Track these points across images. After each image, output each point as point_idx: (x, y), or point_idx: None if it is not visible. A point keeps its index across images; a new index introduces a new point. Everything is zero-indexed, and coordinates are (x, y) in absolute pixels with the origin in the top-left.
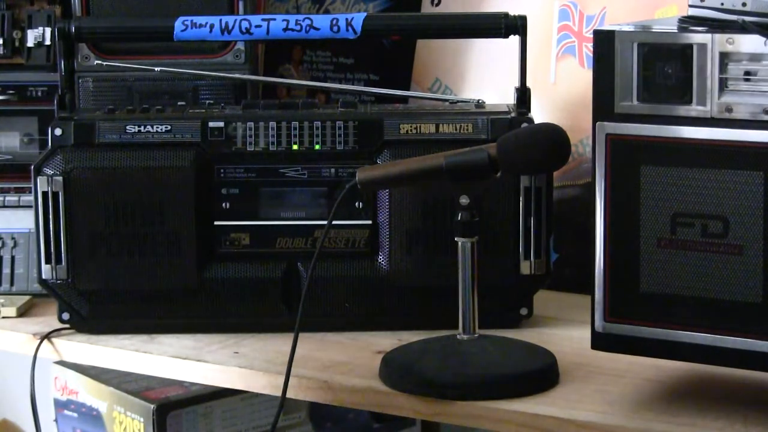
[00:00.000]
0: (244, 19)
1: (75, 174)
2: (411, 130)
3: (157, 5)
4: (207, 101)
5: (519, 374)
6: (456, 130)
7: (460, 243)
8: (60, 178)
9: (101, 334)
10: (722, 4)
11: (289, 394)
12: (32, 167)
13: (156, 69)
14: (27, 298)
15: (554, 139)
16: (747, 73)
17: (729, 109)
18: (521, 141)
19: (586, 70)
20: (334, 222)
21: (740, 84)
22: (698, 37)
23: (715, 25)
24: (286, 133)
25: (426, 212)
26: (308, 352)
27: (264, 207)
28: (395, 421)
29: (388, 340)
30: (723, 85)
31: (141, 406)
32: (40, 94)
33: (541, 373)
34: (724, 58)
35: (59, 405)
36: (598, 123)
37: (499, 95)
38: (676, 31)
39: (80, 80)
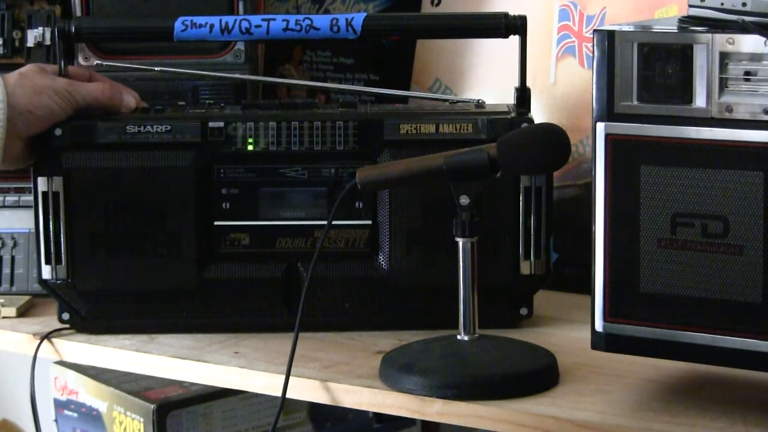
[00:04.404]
0: (244, 19)
1: (75, 174)
2: (411, 130)
3: (157, 5)
4: (207, 101)
5: (519, 374)
6: (456, 130)
7: (460, 243)
8: (60, 178)
9: (101, 334)
10: (722, 4)
11: (289, 394)
12: (32, 167)
13: (156, 69)
14: (27, 298)
15: (554, 139)
16: (747, 73)
17: (729, 109)
18: (521, 141)
19: (586, 70)
20: (334, 222)
21: (740, 84)
22: (698, 37)
23: (715, 25)
24: (286, 133)
25: (426, 212)
26: (308, 352)
27: (264, 207)
28: (395, 421)
29: (388, 340)
30: (723, 85)
31: (141, 406)
32: None
33: (541, 373)
34: (724, 58)
35: (59, 405)
36: (598, 123)
37: (499, 95)
38: (676, 31)
39: None
